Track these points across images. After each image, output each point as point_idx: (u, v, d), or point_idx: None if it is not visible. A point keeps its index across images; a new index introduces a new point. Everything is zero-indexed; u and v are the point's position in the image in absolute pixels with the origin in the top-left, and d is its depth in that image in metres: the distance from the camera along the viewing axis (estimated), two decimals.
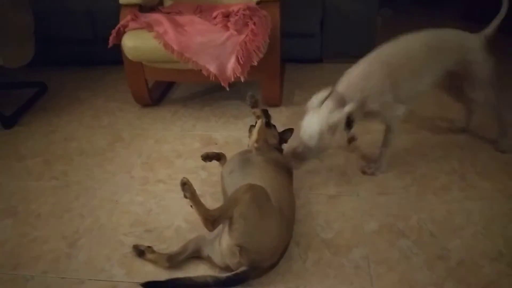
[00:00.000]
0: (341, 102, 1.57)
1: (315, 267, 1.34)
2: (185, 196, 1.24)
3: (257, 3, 2.17)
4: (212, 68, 2.02)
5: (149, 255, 1.37)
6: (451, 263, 1.34)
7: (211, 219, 1.22)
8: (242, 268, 1.23)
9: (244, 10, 2.09)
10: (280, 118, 2.22)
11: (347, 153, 1.91)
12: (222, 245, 1.26)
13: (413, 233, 1.46)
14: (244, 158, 1.55)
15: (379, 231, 1.47)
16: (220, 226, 1.27)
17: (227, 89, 2.06)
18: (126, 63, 2.22)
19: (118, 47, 2.16)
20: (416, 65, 1.64)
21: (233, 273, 1.24)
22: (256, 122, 1.63)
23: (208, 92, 2.55)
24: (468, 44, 1.70)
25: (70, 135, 2.14)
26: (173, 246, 1.43)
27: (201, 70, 2.03)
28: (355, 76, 1.63)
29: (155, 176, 1.80)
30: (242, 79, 2.01)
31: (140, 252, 1.39)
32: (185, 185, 1.23)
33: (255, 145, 1.57)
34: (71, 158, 1.95)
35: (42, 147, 2.07)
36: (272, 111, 2.27)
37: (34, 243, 1.48)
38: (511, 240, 1.41)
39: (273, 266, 1.32)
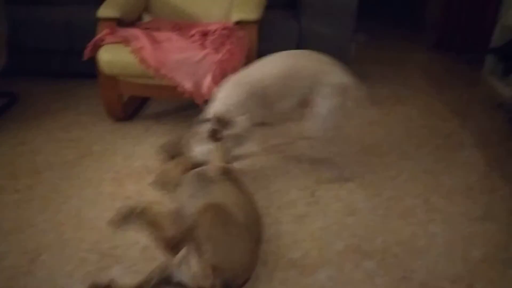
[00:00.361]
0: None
1: (282, 287, 1.34)
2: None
3: (235, 24, 2.22)
4: (188, 85, 2.03)
5: None
6: (413, 284, 1.37)
7: (172, 244, 1.19)
8: None
9: (222, 29, 2.13)
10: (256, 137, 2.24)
11: (317, 173, 1.94)
12: (193, 268, 1.22)
13: (378, 255, 1.49)
14: (203, 179, 1.50)
15: (345, 252, 1.50)
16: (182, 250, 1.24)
17: (201, 107, 2.07)
18: (101, 76, 2.20)
19: (93, 60, 2.16)
20: (275, 89, 1.78)
21: None
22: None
23: (183, 109, 2.55)
24: (322, 77, 1.79)
25: (38, 148, 2.09)
26: (138, 264, 1.41)
27: (176, 86, 2.04)
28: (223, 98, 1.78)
29: (124, 192, 1.78)
30: None
31: None
32: (140, 213, 1.20)
33: (218, 171, 1.54)
34: (37, 171, 1.90)
35: (8, 159, 2.01)
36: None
37: None
38: (472, 263, 1.46)
39: (245, 282, 1.31)
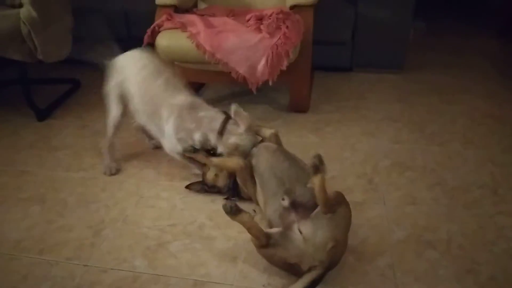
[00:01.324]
0: None
1: (337, 272, 1.31)
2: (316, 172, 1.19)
3: (291, 8, 2.18)
4: (242, 70, 2.03)
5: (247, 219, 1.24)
6: (481, 277, 1.29)
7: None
8: (318, 272, 1.19)
9: (277, 14, 2.10)
10: (307, 124, 2.21)
11: (375, 162, 1.87)
12: (317, 237, 1.19)
13: (442, 245, 1.41)
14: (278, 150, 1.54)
15: (406, 241, 1.43)
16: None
17: (254, 92, 2.07)
18: None
19: (150, 47, 2.21)
20: None
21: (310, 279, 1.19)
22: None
23: (236, 95, 2.56)
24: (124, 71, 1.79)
25: (100, 130, 2.18)
26: (196, 242, 1.43)
27: (230, 72, 2.05)
28: None
29: (180, 173, 1.81)
30: (270, 83, 2.01)
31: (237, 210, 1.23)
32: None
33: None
34: (100, 152, 1.98)
35: (73, 140, 2.12)
36: (299, 117, 2.28)
37: (60, 230, 1.51)
38: None
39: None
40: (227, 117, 1.64)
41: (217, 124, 1.61)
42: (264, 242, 1.24)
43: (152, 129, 1.74)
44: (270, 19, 2.09)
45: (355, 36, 2.75)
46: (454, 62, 3.01)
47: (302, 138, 2.08)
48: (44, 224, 1.54)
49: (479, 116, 2.24)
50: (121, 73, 1.76)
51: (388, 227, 1.49)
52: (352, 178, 1.77)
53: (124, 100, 1.77)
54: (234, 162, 1.53)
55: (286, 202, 1.29)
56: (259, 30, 2.06)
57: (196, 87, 2.65)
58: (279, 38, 2.01)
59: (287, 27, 2.05)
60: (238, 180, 1.57)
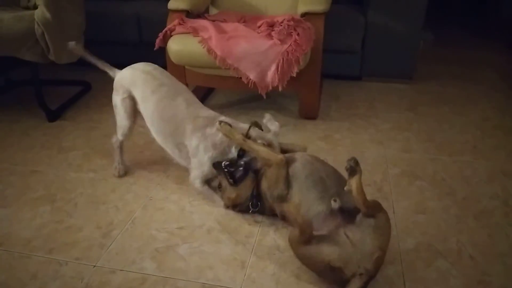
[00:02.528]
0: None
1: None
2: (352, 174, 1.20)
3: (302, 16, 2.20)
4: (252, 75, 2.04)
5: None
6: None
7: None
8: (364, 279, 1.16)
9: (288, 21, 2.11)
10: (316, 131, 2.21)
11: (384, 170, 1.87)
12: (366, 245, 1.17)
13: (452, 255, 1.40)
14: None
15: (416, 250, 1.42)
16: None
17: (264, 97, 2.07)
18: (170, 66, 2.28)
19: (161, 52, 2.23)
20: None
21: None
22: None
23: (245, 101, 2.57)
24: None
25: (110, 132, 2.19)
26: (204, 245, 1.43)
27: (240, 77, 2.06)
28: None
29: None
30: (280, 89, 2.02)
31: None
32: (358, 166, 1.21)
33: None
34: (109, 153, 2.00)
35: (83, 141, 2.13)
36: (308, 124, 2.29)
37: (69, 230, 1.51)
38: None
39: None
40: (251, 125, 1.63)
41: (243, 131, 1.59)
42: (309, 238, 1.21)
43: (169, 148, 1.70)
44: (281, 26, 2.11)
45: (365, 45, 2.76)
46: (463, 73, 3.02)
47: (311, 145, 2.08)
48: (54, 224, 1.54)
49: (489, 128, 2.24)
50: (130, 90, 1.72)
51: (398, 236, 1.48)
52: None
53: (134, 113, 1.75)
54: (276, 155, 1.43)
55: (337, 204, 1.27)
56: (270, 36, 2.07)
57: (206, 92, 2.67)
58: (290, 45, 2.02)
59: (298, 34, 2.06)
60: (267, 181, 1.46)
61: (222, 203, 1.61)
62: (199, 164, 1.61)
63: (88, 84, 2.78)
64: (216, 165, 1.56)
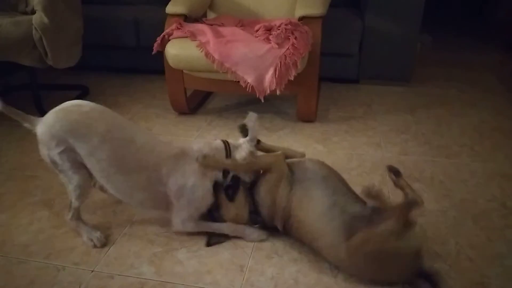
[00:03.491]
0: None
1: (345, 283, 1.30)
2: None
3: (299, 19, 2.21)
4: (250, 79, 2.05)
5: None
6: None
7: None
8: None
9: (286, 24, 2.12)
10: (314, 134, 2.22)
11: (382, 173, 1.87)
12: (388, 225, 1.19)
13: (450, 257, 1.40)
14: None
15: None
16: None
17: (262, 101, 2.08)
18: (167, 70, 2.28)
19: (158, 56, 2.23)
20: None
21: None
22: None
23: (243, 105, 2.58)
24: None
25: None
26: (203, 249, 1.43)
27: (238, 81, 2.06)
28: None
29: None
30: (278, 92, 2.02)
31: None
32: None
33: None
34: None
35: None
36: (306, 127, 2.29)
37: (67, 235, 1.51)
38: None
39: None
40: (225, 141, 1.52)
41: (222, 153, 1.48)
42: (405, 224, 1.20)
43: (139, 202, 1.44)
44: (279, 29, 2.12)
45: (362, 48, 2.77)
46: (460, 76, 3.03)
47: (309, 148, 2.08)
48: (52, 229, 1.54)
49: (487, 130, 2.25)
50: (67, 140, 1.34)
51: None
52: (359, 189, 1.75)
53: (81, 163, 1.39)
54: (272, 156, 1.41)
55: (368, 210, 1.30)
56: (267, 40, 2.08)
57: (204, 96, 2.67)
58: (288, 48, 2.03)
59: (295, 38, 2.07)
60: (268, 184, 1.41)
61: (223, 225, 1.45)
62: (188, 203, 1.42)
63: (86, 89, 2.78)
64: (215, 186, 1.45)
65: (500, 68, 3.20)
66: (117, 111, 2.45)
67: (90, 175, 1.41)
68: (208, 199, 1.44)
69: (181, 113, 2.44)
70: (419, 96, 2.69)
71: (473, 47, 3.70)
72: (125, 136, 1.38)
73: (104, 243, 1.46)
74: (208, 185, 1.43)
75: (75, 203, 1.43)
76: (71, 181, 1.39)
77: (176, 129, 2.28)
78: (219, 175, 1.45)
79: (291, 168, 1.44)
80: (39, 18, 2.13)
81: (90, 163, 1.36)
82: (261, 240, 1.46)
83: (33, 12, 2.21)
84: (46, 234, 1.51)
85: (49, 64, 2.24)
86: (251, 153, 1.48)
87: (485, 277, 1.32)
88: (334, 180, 1.39)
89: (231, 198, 1.44)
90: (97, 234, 1.46)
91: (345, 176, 1.78)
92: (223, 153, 1.48)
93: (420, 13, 2.64)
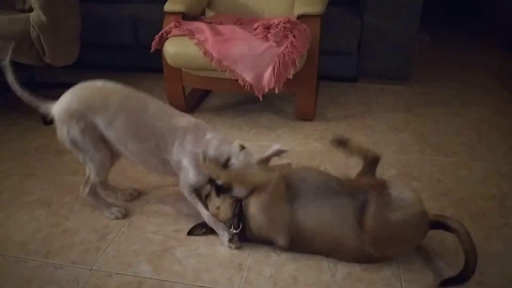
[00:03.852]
0: None
1: (344, 281, 1.30)
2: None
3: (298, 18, 2.20)
4: (249, 77, 2.04)
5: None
6: None
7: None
8: None
9: (284, 23, 2.12)
10: (312, 133, 2.21)
11: (381, 171, 1.87)
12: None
13: (449, 256, 1.40)
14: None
15: (413, 250, 1.42)
16: None
17: (261, 99, 2.08)
18: (166, 68, 2.28)
19: (157, 55, 2.23)
20: None
21: None
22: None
23: (242, 103, 2.57)
24: None
25: None
26: (201, 248, 1.43)
27: (237, 79, 2.06)
28: None
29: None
30: (277, 91, 2.02)
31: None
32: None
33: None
34: None
35: None
36: (304, 125, 2.29)
37: (65, 234, 1.50)
38: None
39: None
40: (242, 146, 1.46)
41: (226, 149, 1.43)
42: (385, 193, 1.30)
43: (151, 166, 1.52)
44: (277, 28, 2.11)
45: (361, 46, 2.77)
46: (459, 75, 3.03)
47: (308, 146, 2.08)
48: (50, 228, 1.53)
49: (486, 129, 2.25)
50: (87, 115, 1.39)
51: None
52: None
53: (102, 141, 1.45)
54: (270, 175, 1.36)
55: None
56: (266, 38, 2.08)
57: (203, 94, 2.67)
58: (286, 47, 2.02)
59: (294, 36, 2.07)
60: (260, 202, 1.35)
61: (205, 212, 1.46)
62: (185, 176, 1.46)
63: None
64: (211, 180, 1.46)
65: (499, 68, 3.21)
66: None
67: (109, 152, 1.47)
68: (199, 182, 1.47)
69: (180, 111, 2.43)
70: (418, 95, 2.69)
71: (472, 46, 3.71)
72: (139, 104, 1.44)
73: (126, 214, 1.56)
74: (201, 172, 1.44)
75: (95, 179, 1.49)
76: (93, 159, 1.45)
77: None
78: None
79: (288, 182, 1.39)
80: (36, 16, 2.12)
81: (109, 133, 1.42)
82: (230, 247, 1.41)
83: (30, 10, 2.20)
84: (44, 232, 1.51)
85: (46, 62, 2.23)
86: (246, 167, 1.41)
87: (484, 275, 1.32)
88: (331, 181, 1.38)
89: (217, 195, 1.44)
90: (117, 207, 1.57)
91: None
92: (230, 158, 1.42)
93: (418, 12, 2.64)
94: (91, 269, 1.35)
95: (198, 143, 1.43)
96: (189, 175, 1.45)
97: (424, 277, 1.32)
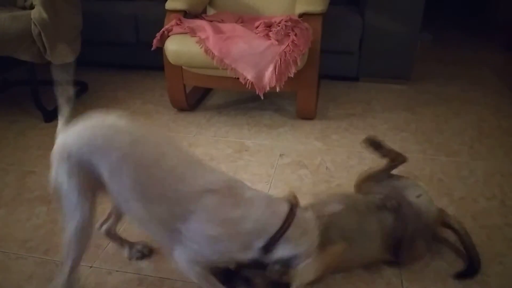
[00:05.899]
0: None
1: (345, 280, 1.30)
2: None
3: (300, 16, 2.20)
4: (250, 75, 2.04)
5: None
6: None
7: None
8: None
9: (286, 21, 2.11)
10: (313, 132, 2.21)
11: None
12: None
13: (450, 255, 1.40)
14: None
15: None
16: None
17: (262, 97, 2.07)
18: (167, 66, 2.27)
19: (158, 52, 2.22)
20: None
21: None
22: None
23: (243, 101, 2.57)
24: None
25: None
26: None
27: (238, 78, 2.06)
28: None
29: None
30: (278, 89, 2.02)
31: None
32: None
33: None
34: None
35: None
36: (305, 124, 2.29)
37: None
38: None
39: None
40: (292, 206, 1.09)
41: (280, 216, 1.05)
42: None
43: (156, 235, 1.13)
44: (279, 26, 2.11)
45: (362, 46, 2.76)
46: (461, 74, 3.02)
47: (309, 145, 2.08)
48: (50, 225, 1.53)
49: (487, 128, 2.24)
50: (90, 159, 1.06)
51: None
52: None
53: (95, 193, 1.12)
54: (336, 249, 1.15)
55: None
56: (267, 37, 2.07)
57: (204, 92, 2.66)
58: (288, 45, 2.02)
59: (295, 34, 2.06)
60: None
61: None
62: (200, 248, 1.05)
63: (85, 85, 2.77)
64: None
65: (500, 67, 3.20)
66: (117, 107, 2.47)
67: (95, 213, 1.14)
68: (226, 258, 1.09)
69: (180, 109, 2.43)
70: (419, 94, 2.69)
71: (474, 45, 3.70)
72: (152, 153, 1.06)
73: (150, 250, 1.40)
74: (234, 247, 1.05)
75: (69, 262, 1.13)
76: (73, 215, 1.10)
77: (175, 125, 2.27)
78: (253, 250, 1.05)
79: (326, 227, 1.18)
80: (38, 13, 2.12)
81: (112, 186, 1.07)
82: None
83: (31, 7, 2.20)
84: (45, 229, 1.51)
85: (47, 59, 2.23)
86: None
87: (485, 275, 1.32)
88: (354, 203, 1.36)
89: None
90: (138, 246, 1.37)
91: (344, 173, 1.78)
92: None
93: (420, 11, 2.63)
94: (91, 267, 1.35)
95: (234, 206, 1.04)
96: (217, 247, 1.04)
97: (425, 276, 1.32)
